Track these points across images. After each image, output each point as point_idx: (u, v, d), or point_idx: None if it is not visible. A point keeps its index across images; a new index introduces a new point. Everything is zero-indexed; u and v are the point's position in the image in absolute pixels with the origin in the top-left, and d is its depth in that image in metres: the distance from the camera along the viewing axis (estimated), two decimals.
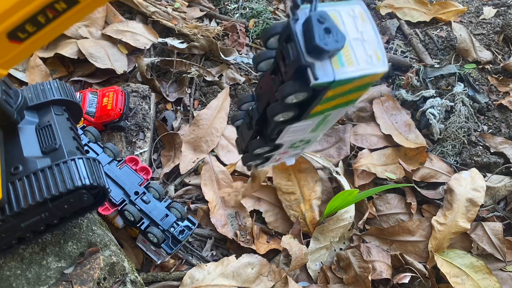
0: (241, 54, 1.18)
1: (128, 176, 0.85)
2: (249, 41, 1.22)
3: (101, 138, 0.91)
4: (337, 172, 0.96)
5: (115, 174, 0.84)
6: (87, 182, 0.45)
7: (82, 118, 0.91)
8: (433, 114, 1.07)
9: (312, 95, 0.46)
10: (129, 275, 0.52)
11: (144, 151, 0.97)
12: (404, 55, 1.21)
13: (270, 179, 0.99)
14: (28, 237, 0.47)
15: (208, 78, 1.13)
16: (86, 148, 0.85)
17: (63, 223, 0.50)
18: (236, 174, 1.00)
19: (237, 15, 1.25)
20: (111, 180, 0.84)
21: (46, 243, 0.49)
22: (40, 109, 0.52)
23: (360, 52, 0.45)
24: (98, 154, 0.85)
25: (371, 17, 0.46)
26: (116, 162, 0.86)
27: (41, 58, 1.06)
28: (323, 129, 0.59)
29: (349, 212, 0.92)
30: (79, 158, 0.46)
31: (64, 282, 0.46)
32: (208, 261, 0.90)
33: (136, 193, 0.84)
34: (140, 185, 0.85)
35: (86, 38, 1.11)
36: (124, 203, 0.82)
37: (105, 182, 0.49)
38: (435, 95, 1.11)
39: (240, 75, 1.15)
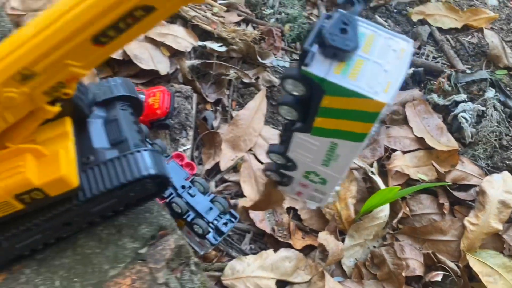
0: (277, 58, 1.23)
1: (175, 170, 0.90)
2: (285, 45, 1.26)
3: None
4: (372, 172, 1.00)
5: None
6: (152, 172, 0.48)
7: None
8: (465, 118, 1.10)
9: (309, 95, 0.46)
10: (192, 258, 0.57)
11: (187, 148, 1.02)
12: (436, 61, 1.24)
13: None
14: (96, 222, 0.52)
15: (246, 80, 1.18)
16: None
17: (128, 209, 0.54)
18: None
19: (273, 20, 1.30)
20: None
21: (122, 226, 0.54)
22: (107, 105, 0.55)
23: (370, 74, 0.43)
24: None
25: (409, 60, 0.46)
26: (164, 157, 0.92)
27: None
28: (336, 167, 0.57)
29: (384, 211, 0.96)
30: (144, 150, 0.50)
31: (139, 261, 0.51)
32: (247, 254, 0.95)
33: (183, 187, 0.89)
34: (186, 180, 0.90)
35: None
36: (172, 195, 0.86)
37: (167, 172, 0.53)
38: (466, 99, 1.14)
39: (276, 77, 1.19)
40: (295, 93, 0.47)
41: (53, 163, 0.41)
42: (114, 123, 0.52)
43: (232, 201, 1.00)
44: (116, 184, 0.46)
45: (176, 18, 1.28)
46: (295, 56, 1.25)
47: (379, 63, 0.43)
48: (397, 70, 0.43)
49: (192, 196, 0.89)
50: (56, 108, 0.41)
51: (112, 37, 0.36)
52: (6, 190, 0.39)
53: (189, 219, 0.86)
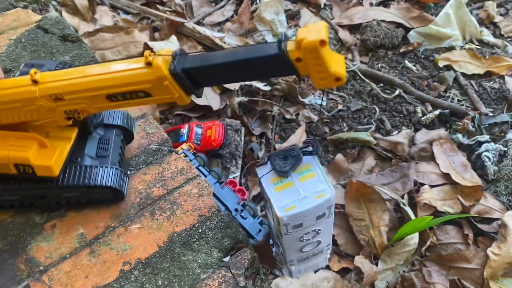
0: (314, 97, 1.36)
1: (229, 195, 1.02)
2: None
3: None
4: (403, 204, 1.11)
5: (219, 193, 1.02)
6: (109, 184, 0.65)
7: (192, 146, 1.09)
8: (488, 157, 1.21)
9: None
10: (261, 268, 0.68)
11: (236, 176, 1.15)
12: (460, 103, 1.36)
13: (342, 206, 1.15)
14: (62, 204, 0.68)
15: (287, 116, 1.31)
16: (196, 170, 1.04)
17: (88, 204, 0.69)
18: None
19: None
20: (216, 199, 1.01)
21: (209, 239, 0.66)
22: (107, 128, 0.72)
23: (288, 195, 0.62)
24: (206, 176, 1.03)
25: (323, 204, 0.64)
26: (219, 183, 1.04)
27: None
28: (284, 246, 0.75)
29: (414, 239, 1.06)
30: (115, 168, 0.66)
31: (224, 267, 0.63)
32: None
33: (236, 210, 1.01)
34: (238, 204, 1.02)
35: None
36: None
37: (125, 188, 0.69)
38: (489, 140, 1.25)
39: (314, 114, 1.33)
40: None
41: (48, 155, 0.60)
42: (106, 142, 0.70)
43: None
44: (84, 184, 0.63)
45: None
46: (331, 96, 1.38)
47: (300, 192, 0.63)
48: (306, 203, 0.63)
49: (244, 218, 1.00)
50: (69, 122, 0.60)
51: (119, 99, 0.54)
52: (11, 157, 0.58)
53: None
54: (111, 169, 0.66)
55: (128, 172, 0.74)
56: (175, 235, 0.66)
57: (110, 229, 0.67)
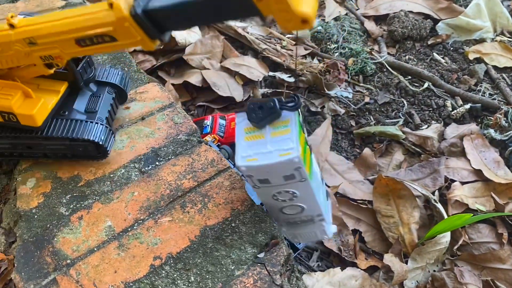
0: (341, 89, 1.32)
1: None
2: (348, 77, 1.35)
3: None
4: (435, 200, 1.06)
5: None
6: (93, 139, 0.65)
7: (216, 138, 1.06)
8: None
9: None
10: (295, 266, 0.65)
11: None
12: (492, 98, 1.31)
13: (370, 202, 1.11)
14: (48, 156, 0.69)
15: (312, 109, 1.27)
16: None
17: (74, 158, 0.69)
18: (338, 195, 1.13)
19: (337, 54, 1.40)
20: None
21: (242, 233, 0.63)
22: (100, 84, 0.73)
23: (255, 147, 0.58)
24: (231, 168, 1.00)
25: (282, 162, 0.59)
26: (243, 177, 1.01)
27: (173, 85, 1.25)
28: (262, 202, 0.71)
29: (446, 237, 1.02)
30: (100, 124, 0.66)
31: (259, 264, 0.60)
32: (315, 271, 1.02)
33: (261, 204, 0.97)
34: None
35: (208, 69, 1.29)
36: None
37: (109, 145, 0.68)
38: None
39: (340, 107, 1.28)
40: None
41: (32, 105, 0.60)
42: (96, 98, 0.70)
43: None
44: (68, 136, 0.64)
45: (247, 49, 1.39)
46: (358, 88, 1.34)
47: (267, 146, 0.58)
48: (268, 158, 0.58)
49: None
50: (50, 71, 0.60)
51: (88, 44, 0.54)
52: None
53: None
54: (96, 124, 0.67)
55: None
56: (207, 229, 0.63)
57: (139, 222, 0.64)
